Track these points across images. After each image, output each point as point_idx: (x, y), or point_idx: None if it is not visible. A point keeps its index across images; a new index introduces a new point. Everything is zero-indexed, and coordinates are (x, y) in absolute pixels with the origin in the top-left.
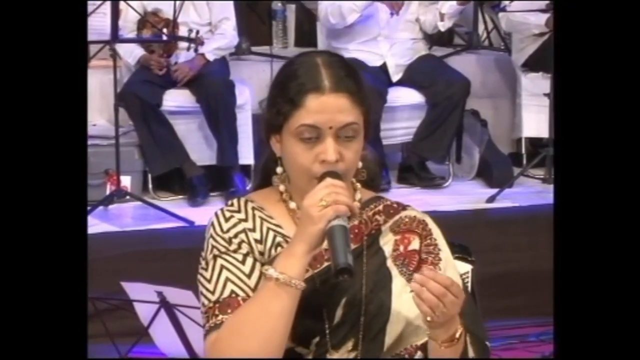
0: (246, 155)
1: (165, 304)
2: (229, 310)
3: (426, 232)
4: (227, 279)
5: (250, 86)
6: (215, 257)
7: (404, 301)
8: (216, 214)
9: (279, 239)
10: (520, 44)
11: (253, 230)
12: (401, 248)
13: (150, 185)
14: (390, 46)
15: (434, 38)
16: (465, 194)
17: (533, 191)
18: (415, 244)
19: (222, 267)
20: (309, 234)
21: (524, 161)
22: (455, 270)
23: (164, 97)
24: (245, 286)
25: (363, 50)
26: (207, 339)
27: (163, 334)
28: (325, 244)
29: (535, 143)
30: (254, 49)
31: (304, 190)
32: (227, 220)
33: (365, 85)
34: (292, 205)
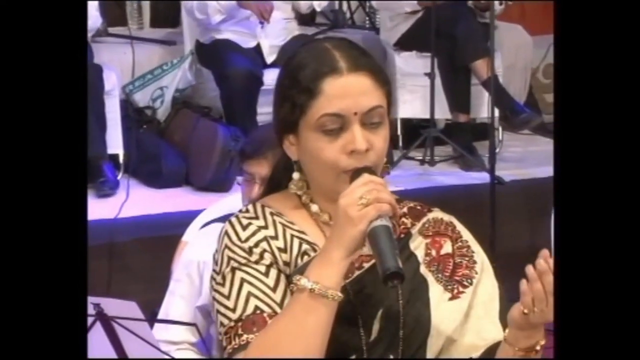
0: (115, 144)
1: (102, 317)
2: (255, 329)
3: (456, 235)
4: (250, 294)
5: (115, 70)
6: (233, 270)
7: (443, 311)
8: (230, 222)
9: (305, 246)
10: (390, 23)
11: (275, 238)
12: (433, 252)
13: None
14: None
15: (297, 17)
16: None
17: (413, 174)
18: (447, 248)
19: (243, 280)
20: (348, 236)
21: (400, 143)
22: (491, 274)
23: None
24: (271, 301)
25: (236, 31)
26: None
27: (97, 349)
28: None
29: (405, 124)
30: (110, 30)
31: (331, 190)
32: (244, 228)
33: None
34: (314, 208)
